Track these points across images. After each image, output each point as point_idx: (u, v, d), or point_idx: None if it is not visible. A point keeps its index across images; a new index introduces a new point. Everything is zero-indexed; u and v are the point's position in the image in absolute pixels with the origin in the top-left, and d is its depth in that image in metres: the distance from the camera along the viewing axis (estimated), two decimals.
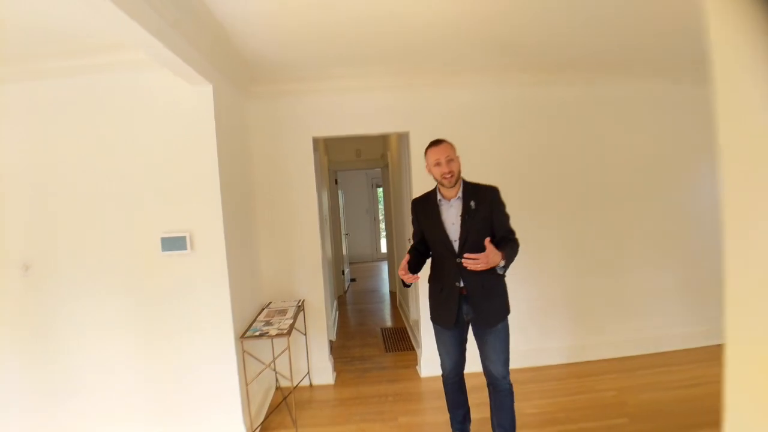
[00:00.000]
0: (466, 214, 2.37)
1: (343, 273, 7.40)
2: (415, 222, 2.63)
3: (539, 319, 3.97)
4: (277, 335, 2.88)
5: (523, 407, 3.25)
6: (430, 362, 3.81)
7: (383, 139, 6.40)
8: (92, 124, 2.81)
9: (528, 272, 3.73)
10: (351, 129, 3.83)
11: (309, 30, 2.72)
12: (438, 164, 2.35)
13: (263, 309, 3.49)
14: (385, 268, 9.38)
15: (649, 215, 4.07)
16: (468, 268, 2.20)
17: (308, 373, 3.81)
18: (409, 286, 2.48)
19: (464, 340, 2.61)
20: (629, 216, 4.04)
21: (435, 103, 3.78)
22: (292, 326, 3.04)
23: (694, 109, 4.02)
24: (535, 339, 3.97)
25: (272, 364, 3.22)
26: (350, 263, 8.94)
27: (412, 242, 2.68)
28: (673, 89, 4.00)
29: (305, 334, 3.76)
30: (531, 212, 3.82)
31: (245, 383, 2.91)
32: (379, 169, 7.69)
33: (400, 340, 4.88)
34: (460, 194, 2.42)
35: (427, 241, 2.57)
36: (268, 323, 3.12)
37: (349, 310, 6.41)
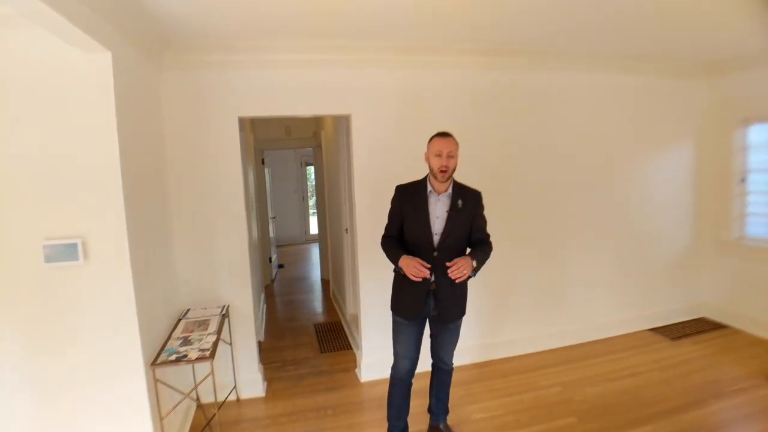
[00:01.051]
0: (453, 211, 2.41)
1: (270, 260, 6.88)
2: (396, 210, 2.54)
3: (483, 313, 3.85)
4: (199, 359, 2.42)
5: (470, 411, 3.17)
6: (370, 366, 3.58)
7: (316, 116, 5.89)
8: None
9: None
10: (285, 109, 3.34)
11: None
12: (439, 155, 2.34)
13: (180, 320, 2.96)
14: (315, 250, 8.97)
15: (587, 204, 4.11)
16: (456, 280, 2.27)
17: (235, 386, 3.36)
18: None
19: (422, 336, 2.59)
20: (567, 205, 4.05)
21: (381, 84, 3.40)
22: (216, 344, 2.59)
23: (633, 100, 4.12)
24: (478, 335, 3.86)
25: (193, 393, 2.76)
26: (278, 246, 8.40)
27: (385, 233, 2.57)
28: (617, 80, 4.02)
29: (231, 344, 3.29)
30: None
31: (159, 418, 2.42)
32: (311, 148, 7.17)
33: (336, 337, 4.55)
34: (450, 190, 2.44)
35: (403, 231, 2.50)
36: (186, 341, 2.63)
37: (278, 303, 5.95)
